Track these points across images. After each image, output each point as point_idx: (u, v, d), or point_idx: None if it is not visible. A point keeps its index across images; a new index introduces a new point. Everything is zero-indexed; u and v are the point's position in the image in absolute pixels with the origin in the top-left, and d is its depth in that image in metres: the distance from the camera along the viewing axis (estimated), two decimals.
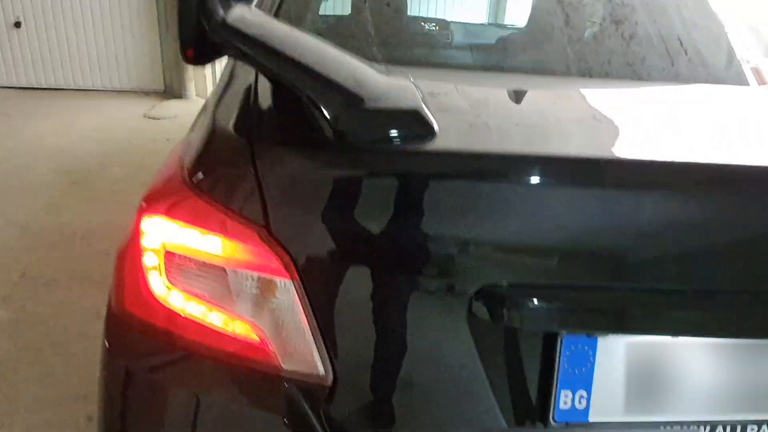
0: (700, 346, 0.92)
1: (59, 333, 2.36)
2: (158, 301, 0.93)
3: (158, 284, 0.93)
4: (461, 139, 0.96)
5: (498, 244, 0.88)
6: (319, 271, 0.88)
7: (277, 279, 0.88)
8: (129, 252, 0.98)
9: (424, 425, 0.90)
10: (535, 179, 0.87)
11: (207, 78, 6.26)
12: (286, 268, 0.87)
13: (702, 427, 0.92)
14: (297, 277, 0.87)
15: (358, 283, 0.88)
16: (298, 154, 0.90)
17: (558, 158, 0.90)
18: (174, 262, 0.92)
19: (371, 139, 0.89)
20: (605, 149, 0.96)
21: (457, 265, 0.87)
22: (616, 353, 0.90)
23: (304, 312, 0.88)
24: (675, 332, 0.91)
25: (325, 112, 0.87)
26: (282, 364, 0.89)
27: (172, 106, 5.94)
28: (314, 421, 0.88)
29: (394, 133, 0.89)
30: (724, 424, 0.92)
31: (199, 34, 0.86)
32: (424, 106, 0.93)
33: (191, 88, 6.20)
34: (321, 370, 0.88)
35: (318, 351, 0.88)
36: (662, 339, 0.91)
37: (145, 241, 0.94)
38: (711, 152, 0.98)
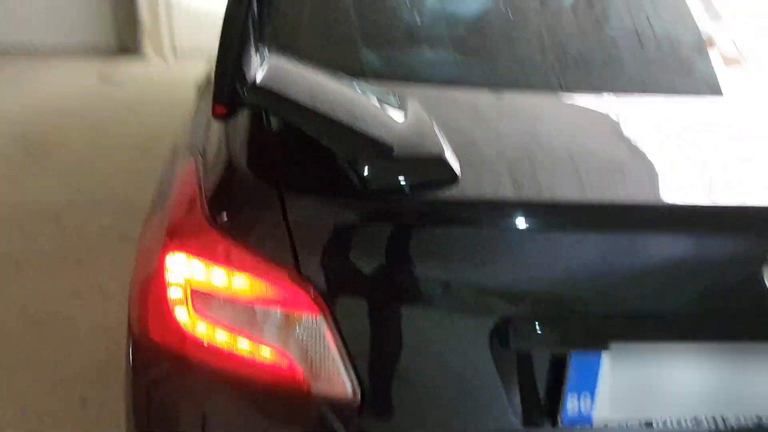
0: (687, 353, 1.03)
1: (38, 315, 2.33)
2: (185, 332, 0.96)
3: (184, 316, 0.96)
4: (479, 185, 1.01)
5: (509, 280, 0.96)
6: (347, 305, 0.94)
7: (306, 313, 0.93)
8: (153, 284, 1.00)
9: None
10: (552, 225, 0.97)
11: (162, 34, 6.01)
12: (315, 303, 0.92)
13: (690, 421, 1.04)
14: (327, 311, 0.92)
15: (384, 316, 0.95)
16: (326, 201, 0.95)
17: (570, 205, 0.98)
18: (200, 296, 0.95)
19: (397, 186, 0.94)
20: (599, 193, 1.04)
21: (476, 301, 0.96)
22: (617, 362, 1.00)
23: (333, 342, 0.93)
24: (662, 340, 1.03)
25: (353, 163, 0.92)
26: (311, 388, 0.95)
27: (129, 67, 5.68)
28: None
29: (418, 180, 0.95)
30: (707, 417, 1.04)
31: (232, 93, 0.89)
32: (446, 150, 0.98)
33: (147, 44, 5.91)
34: (349, 391, 0.95)
35: (347, 374, 0.94)
36: (657, 348, 1.02)
37: (170, 277, 0.97)
38: (670, 192, 1.06)
